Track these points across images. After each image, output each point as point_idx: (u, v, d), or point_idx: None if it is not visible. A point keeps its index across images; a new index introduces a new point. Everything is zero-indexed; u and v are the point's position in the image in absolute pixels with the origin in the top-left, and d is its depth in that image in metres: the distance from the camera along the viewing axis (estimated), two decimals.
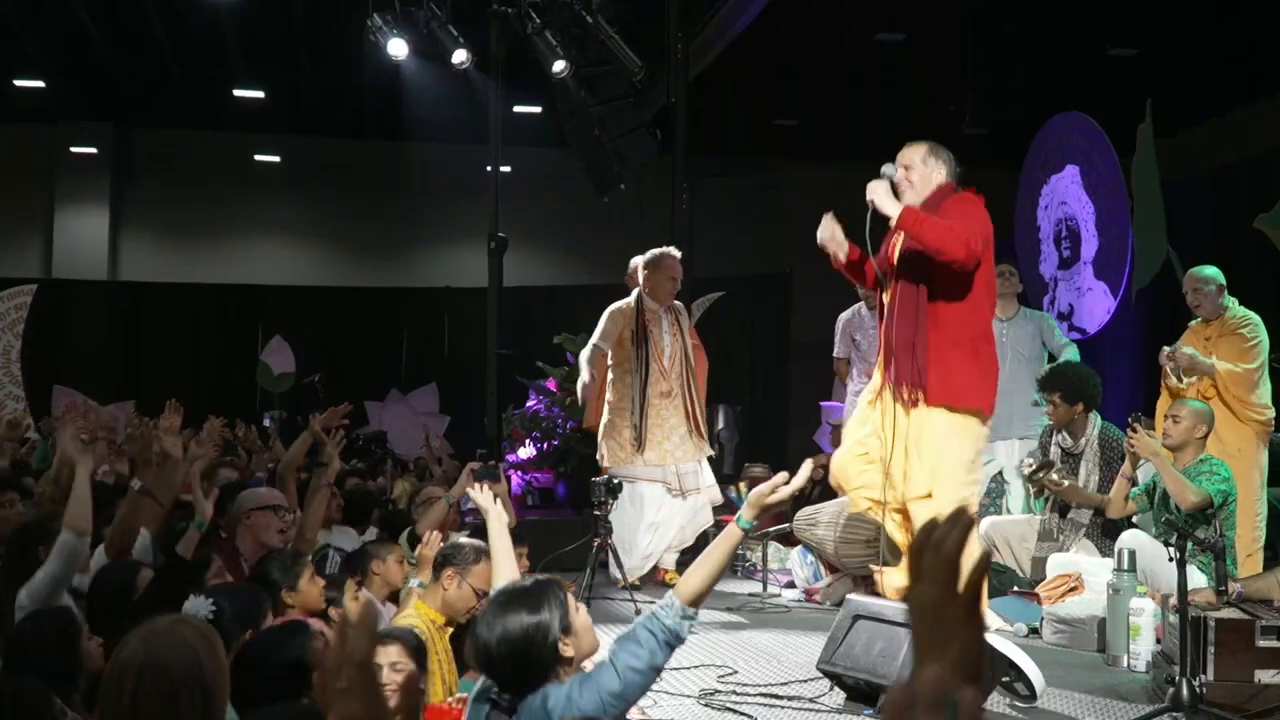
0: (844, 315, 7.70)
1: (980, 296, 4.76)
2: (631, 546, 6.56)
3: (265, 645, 3.13)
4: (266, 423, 12.31)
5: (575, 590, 5.73)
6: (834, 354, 7.75)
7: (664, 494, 6.65)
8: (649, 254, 6.85)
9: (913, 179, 4.82)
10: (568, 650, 2.58)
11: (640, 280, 6.83)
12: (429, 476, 9.84)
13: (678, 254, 6.86)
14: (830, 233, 4.88)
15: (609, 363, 6.84)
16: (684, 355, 6.77)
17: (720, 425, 8.81)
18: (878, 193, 4.70)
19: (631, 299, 6.80)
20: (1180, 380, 6.21)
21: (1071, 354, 7.04)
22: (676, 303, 6.91)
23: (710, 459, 6.96)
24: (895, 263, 4.82)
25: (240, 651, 3.14)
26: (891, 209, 4.65)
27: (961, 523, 1.34)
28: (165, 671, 2.13)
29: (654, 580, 6.67)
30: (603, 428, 6.82)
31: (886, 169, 4.84)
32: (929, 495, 4.64)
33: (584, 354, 6.85)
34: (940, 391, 4.67)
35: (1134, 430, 5.23)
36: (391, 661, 3.04)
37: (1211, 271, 6.40)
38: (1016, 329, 7.04)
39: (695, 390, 6.78)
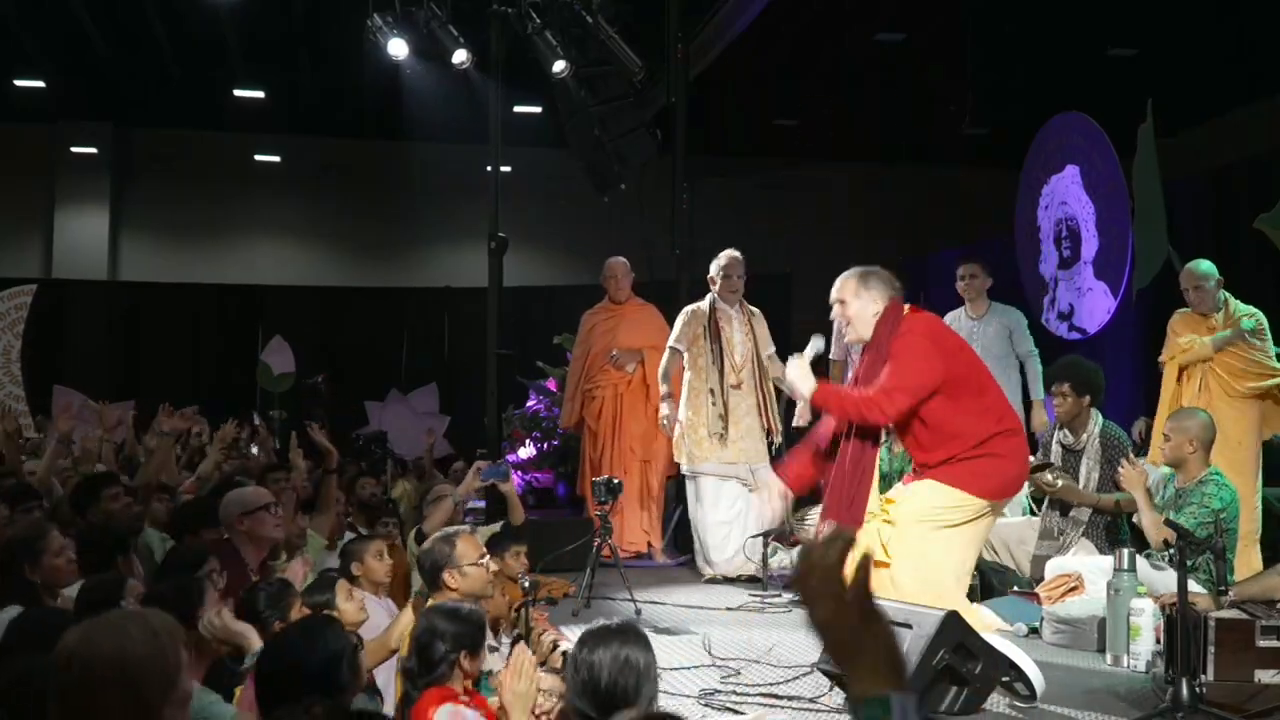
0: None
1: (962, 412, 4.56)
2: (708, 543, 6.79)
3: (295, 643, 3.07)
4: (256, 421, 12.31)
5: (575, 590, 5.78)
6: (830, 355, 7.87)
7: (738, 489, 6.83)
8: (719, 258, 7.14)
9: (849, 314, 4.70)
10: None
11: (714, 283, 7.09)
12: (431, 478, 9.86)
13: (737, 254, 7.10)
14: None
15: (683, 364, 7.04)
16: (755, 354, 7.01)
17: None
18: (794, 374, 4.72)
19: (706, 301, 7.06)
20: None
21: (1035, 364, 7.18)
22: (753, 308, 7.16)
23: (777, 447, 7.08)
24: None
25: (272, 650, 3.12)
26: (805, 391, 4.68)
27: (840, 540, 1.39)
28: (92, 662, 2.09)
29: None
30: (679, 431, 6.96)
31: (815, 341, 4.85)
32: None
33: (663, 364, 7.06)
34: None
35: (1123, 467, 5.28)
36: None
37: (1208, 266, 6.42)
38: (986, 326, 7.19)
39: (767, 387, 7.01)
